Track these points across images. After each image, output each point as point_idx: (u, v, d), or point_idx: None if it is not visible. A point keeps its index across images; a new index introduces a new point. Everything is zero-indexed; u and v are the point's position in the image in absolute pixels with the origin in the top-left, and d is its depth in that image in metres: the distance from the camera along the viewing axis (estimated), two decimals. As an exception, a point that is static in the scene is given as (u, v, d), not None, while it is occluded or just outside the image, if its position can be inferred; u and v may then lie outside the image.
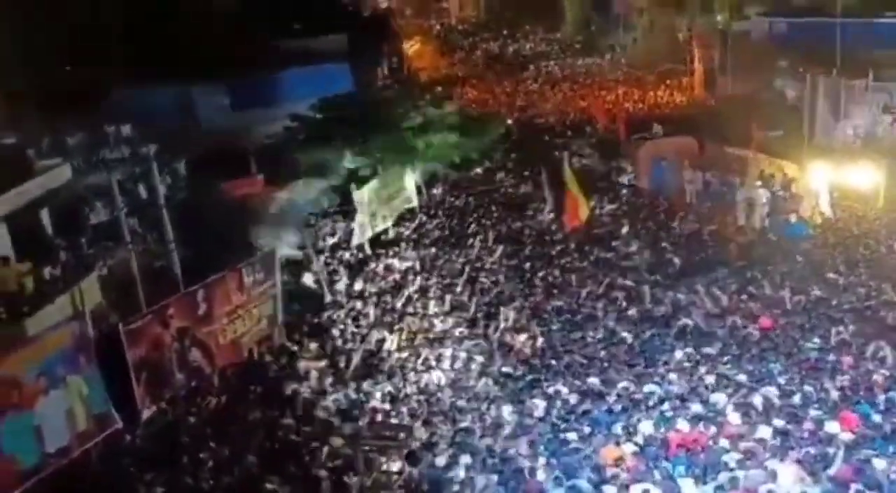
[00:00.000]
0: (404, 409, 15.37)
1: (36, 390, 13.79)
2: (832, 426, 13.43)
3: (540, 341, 17.71)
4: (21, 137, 21.60)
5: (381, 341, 18.20)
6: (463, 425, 14.62)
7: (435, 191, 30.06)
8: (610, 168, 30.61)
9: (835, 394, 14.49)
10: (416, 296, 20.51)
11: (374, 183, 25.11)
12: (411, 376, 16.60)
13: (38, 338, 14.63)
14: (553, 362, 16.83)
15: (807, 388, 14.80)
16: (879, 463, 12.47)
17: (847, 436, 13.18)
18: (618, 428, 13.98)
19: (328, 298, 20.70)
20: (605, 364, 16.51)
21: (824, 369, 15.50)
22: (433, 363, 17.04)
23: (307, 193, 27.21)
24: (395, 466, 13.24)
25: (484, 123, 34.70)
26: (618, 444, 13.47)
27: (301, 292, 20.95)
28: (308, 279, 21.53)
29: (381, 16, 56.43)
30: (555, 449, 13.55)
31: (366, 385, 16.34)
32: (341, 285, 21.58)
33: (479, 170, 32.34)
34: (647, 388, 15.30)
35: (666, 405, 14.65)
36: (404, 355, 17.60)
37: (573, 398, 15.22)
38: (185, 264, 18.85)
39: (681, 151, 27.75)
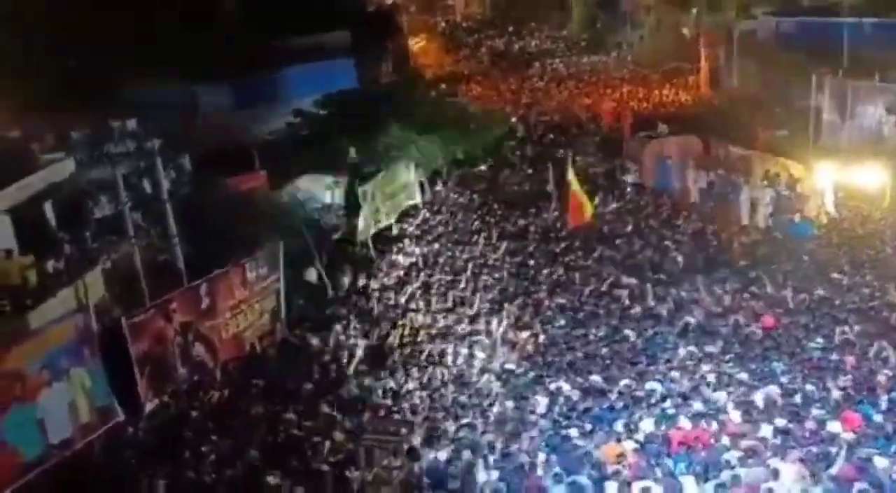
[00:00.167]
0: (406, 404, 15.37)
1: (39, 382, 13.84)
2: (834, 426, 13.42)
3: (542, 338, 17.73)
4: (25, 131, 21.61)
5: (384, 336, 18.22)
6: (465, 421, 14.62)
7: (438, 188, 30.06)
8: (614, 166, 30.56)
9: (837, 394, 14.47)
10: (418, 292, 20.51)
11: (377, 179, 25.12)
12: (413, 371, 16.59)
13: (42, 331, 14.65)
14: (555, 359, 16.84)
15: (809, 387, 14.79)
16: (881, 462, 12.45)
17: (849, 436, 13.16)
18: (619, 426, 13.97)
19: (331, 293, 20.71)
20: (608, 362, 16.53)
21: (827, 369, 15.48)
22: (435, 359, 17.03)
23: (310, 189, 27.18)
24: (396, 461, 13.21)
25: (488, 121, 34.71)
26: (619, 441, 13.47)
27: (304, 287, 20.97)
28: (311, 275, 21.54)
29: (385, 12, 56.35)
30: (556, 446, 13.55)
31: (367, 381, 16.35)
32: (344, 281, 21.58)
33: (483, 167, 32.33)
34: (650, 386, 15.30)
35: (668, 403, 14.64)
36: (406, 350, 17.60)
37: (575, 395, 15.23)
38: (189, 258, 18.87)
39: (685, 150, 27.71)
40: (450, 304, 19.76)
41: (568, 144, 34.34)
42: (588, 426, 14.06)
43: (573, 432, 13.93)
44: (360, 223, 23.70)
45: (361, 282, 21.60)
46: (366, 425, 14.66)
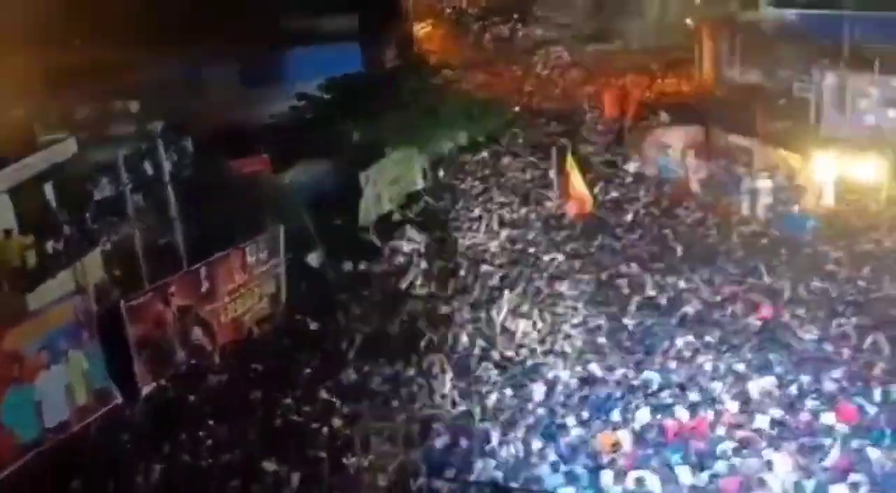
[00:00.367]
0: (404, 391, 15.43)
1: (37, 364, 13.92)
2: (829, 417, 13.50)
3: (541, 325, 17.76)
4: (27, 110, 21.56)
5: (384, 323, 18.26)
6: (462, 408, 14.69)
7: (440, 174, 30.01)
8: (616, 155, 30.51)
9: (832, 386, 14.54)
10: (419, 279, 20.54)
11: (379, 164, 25.09)
12: (412, 358, 16.64)
13: (41, 312, 14.72)
14: (554, 347, 16.89)
15: (804, 379, 14.85)
16: (874, 454, 12.52)
17: (843, 427, 13.24)
18: (616, 415, 14.04)
19: (331, 278, 20.74)
20: (606, 351, 16.57)
21: (822, 361, 15.53)
22: (435, 346, 17.08)
23: (313, 172, 27.19)
24: (393, 448, 13.28)
25: (491, 108, 34.62)
26: (615, 430, 13.54)
27: (305, 272, 21.01)
28: (312, 260, 21.57)
29: (391, -4, 56.01)
30: (553, 434, 13.63)
31: (366, 367, 16.41)
32: (345, 266, 21.62)
33: (485, 154, 32.25)
34: (647, 375, 15.36)
35: (665, 393, 14.72)
36: (406, 337, 17.64)
37: (573, 384, 15.31)
38: (190, 241, 18.89)
39: (687, 140, 27.66)
40: (450, 291, 19.80)
41: (570, 133, 34.29)
42: (585, 415, 14.15)
43: (570, 420, 14.02)
44: (362, 208, 23.70)
45: (362, 267, 21.62)
46: (364, 411, 14.73)
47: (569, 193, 23.46)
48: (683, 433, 13.45)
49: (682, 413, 13.96)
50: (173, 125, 24.09)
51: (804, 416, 13.66)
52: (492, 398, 14.94)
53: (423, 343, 17.23)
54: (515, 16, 64.84)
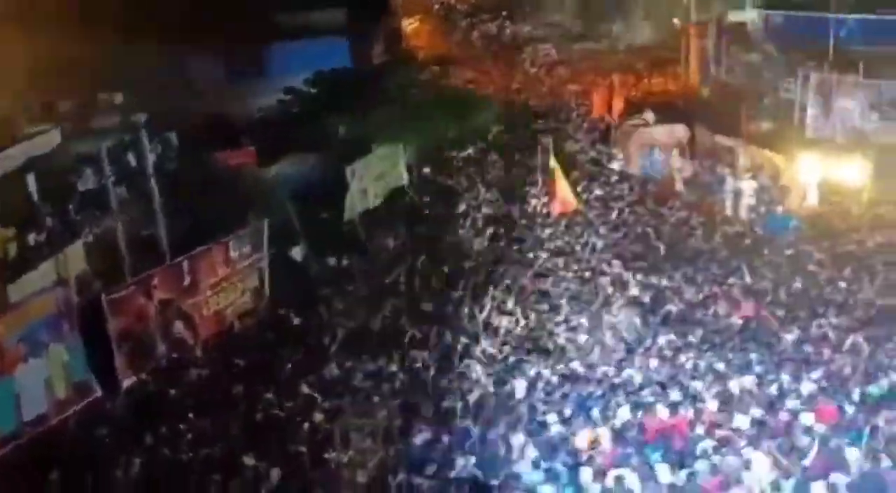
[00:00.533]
0: (386, 387, 15.43)
1: (16, 356, 13.84)
2: (808, 418, 13.56)
3: (524, 323, 17.80)
4: (10, 101, 21.44)
5: (367, 318, 18.25)
6: (444, 404, 14.71)
7: (426, 170, 30.01)
8: (601, 153, 30.60)
9: (812, 386, 14.62)
10: (403, 275, 20.54)
11: (365, 160, 25.03)
12: (395, 354, 16.64)
13: (21, 304, 14.64)
14: (537, 344, 16.93)
15: (785, 378, 14.94)
16: (852, 454, 12.62)
17: (822, 428, 13.33)
18: (597, 412, 14.09)
19: (315, 273, 20.72)
20: (588, 349, 16.61)
21: (803, 361, 15.63)
22: (417, 342, 17.09)
23: (299, 167, 27.14)
24: (374, 444, 13.28)
25: (478, 104, 34.66)
26: (595, 428, 13.59)
27: (289, 266, 20.97)
28: (296, 254, 21.53)
29: (380, -9, 55.93)
30: (534, 431, 13.66)
31: (348, 362, 16.40)
32: (329, 261, 21.59)
33: (471, 150, 32.26)
34: (628, 373, 15.42)
35: (646, 391, 14.77)
36: (388, 333, 17.65)
37: (554, 381, 15.35)
38: (173, 234, 18.82)
39: (672, 139, 27.75)
40: (433, 287, 19.80)
41: (556, 130, 34.34)
42: (567, 412, 14.18)
43: (551, 417, 14.05)
44: (347, 203, 23.65)
45: (346, 263, 21.60)
46: (345, 407, 14.73)
47: (553, 192, 23.55)
48: (664, 431, 13.49)
49: (663, 412, 14.01)
50: (158, 117, 23.98)
51: (784, 415, 13.72)
52: (473, 395, 14.95)
53: (405, 339, 17.22)
54: (504, 13, 64.87)
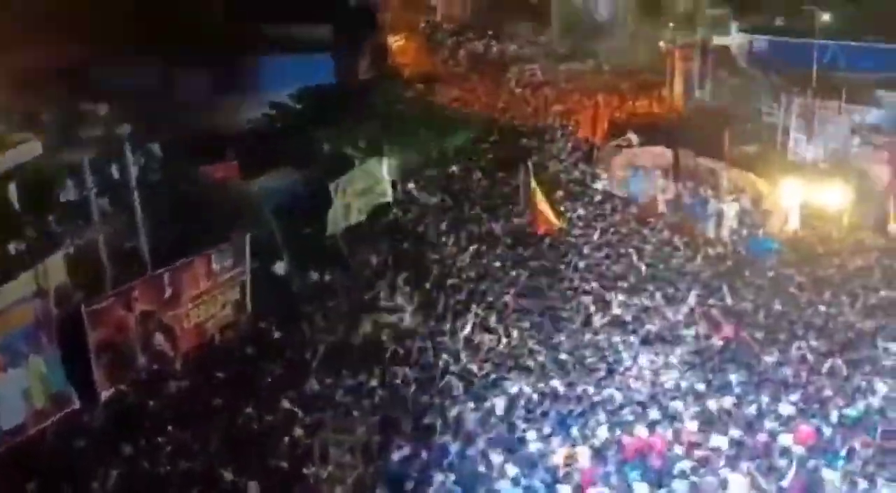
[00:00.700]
0: (366, 403, 15.39)
1: (-4, 365, 13.70)
2: (786, 439, 13.66)
3: (506, 341, 17.81)
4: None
5: (348, 333, 18.21)
6: (424, 421, 14.68)
7: (410, 186, 30.06)
8: (584, 173, 30.76)
9: (790, 407, 14.73)
10: (384, 291, 20.52)
11: (349, 175, 25.04)
12: (376, 370, 16.61)
13: (0, 314, 14.49)
14: (518, 362, 16.94)
15: (763, 399, 15.04)
16: (829, 475, 12.69)
17: (800, 449, 13.40)
18: (576, 431, 14.10)
19: (297, 288, 20.67)
20: (569, 367, 16.65)
21: (781, 383, 15.73)
22: (398, 358, 17.06)
23: (282, 181, 27.10)
24: (353, 460, 13.24)
25: (463, 122, 34.77)
26: (574, 446, 13.60)
27: (271, 280, 20.91)
28: (278, 268, 21.47)
29: (367, 8, 56.14)
30: (513, 448, 13.65)
31: (329, 377, 16.34)
32: (311, 276, 21.54)
33: (455, 168, 32.34)
34: (608, 392, 15.45)
35: (626, 410, 14.81)
36: (369, 348, 17.61)
37: (535, 399, 15.36)
38: (155, 246, 18.73)
39: (655, 161, 27.94)
40: (415, 303, 19.79)
41: (540, 150, 34.51)
42: (546, 430, 14.20)
43: (531, 435, 14.06)
44: (330, 218, 23.63)
45: (328, 278, 21.56)
46: (325, 422, 14.67)
47: (535, 212, 23.72)
48: (642, 450, 13.52)
49: (642, 431, 14.05)
50: (142, 129, 23.93)
51: (762, 437, 13.80)
52: (453, 411, 14.93)
53: (386, 355, 17.19)
54: (490, 32, 65.25)
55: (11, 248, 17.43)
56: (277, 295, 20.30)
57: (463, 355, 17.20)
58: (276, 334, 18.34)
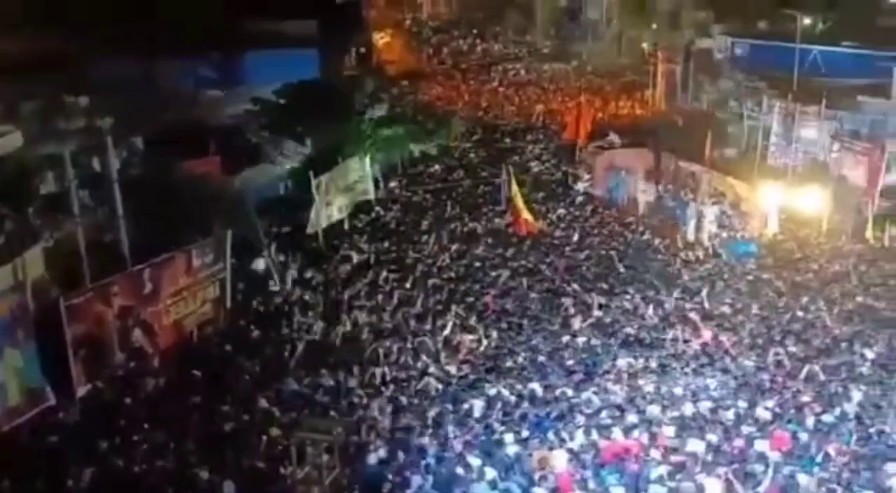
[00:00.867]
0: (344, 403, 15.35)
1: (-32, 360, 13.55)
2: (762, 444, 13.73)
3: (486, 342, 17.81)
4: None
5: (327, 332, 18.16)
6: (402, 422, 14.66)
7: (392, 184, 30.06)
8: (566, 174, 30.88)
9: (767, 413, 14.80)
10: (365, 289, 20.49)
11: (332, 172, 25.00)
12: (355, 369, 16.57)
13: (-25, 308, 14.34)
14: (497, 363, 16.95)
15: (741, 405, 15.10)
16: (804, 480, 12.79)
17: (776, 455, 13.48)
18: (553, 434, 14.13)
19: (277, 285, 20.60)
20: (548, 369, 16.67)
21: (758, 388, 15.82)
22: (378, 358, 17.02)
23: (264, 177, 27.02)
24: (330, 460, 13.19)
25: (446, 121, 34.81)
26: (551, 449, 13.63)
27: (251, 277, 20.83)
28: (259, 265, 21.39)
29: (352, 4, 56.04)
30: (490, 451, 13.67)
31: (307, 377, 16.28)
32: (292, 273, 21.47)
33: (437, 167, 32.39)
34: (586, 396, 15.48)
35: (603, 414, 14.84)
36: (349, 348, 17.56)
37: (513, 401, 15.37)
38: (135, 241, 18.59)
39: (637, 163, 28.09)
40: (395, 302, 19.76)
41: (523, 150, 34.63)
42: (524, 433, 14.21)
43: (508, 437, 14.06)
44: (312, 215, 23.58)
45: (308, 275, 21.50)
46: (302, 421, 14.59)
47: (517, 214, 23.82)
48: (620, 454, 13.56)
49: (619, 435, 14.09)
50: (124, 122, 23.77)
51: (738, 442, 13.87)
52: (431, 412, 14.92)
53: (365, 355, 17.15)
54: (475, 31, 65.28)
55: (-11, 240, 17.24)
56: (257, 292, 20.23)
57: (442, 356, 17.16)
58: (255, 332, 18.24)
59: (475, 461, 13.20)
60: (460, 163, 33.15)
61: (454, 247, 23.46)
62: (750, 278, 21.52)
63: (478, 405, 15.10)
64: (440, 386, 15.95)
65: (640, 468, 13.17)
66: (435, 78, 50.95)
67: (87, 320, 15.51)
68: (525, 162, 32.50)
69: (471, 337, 17.90)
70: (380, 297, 20.01)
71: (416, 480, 12.84)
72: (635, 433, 14.12)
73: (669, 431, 14.22)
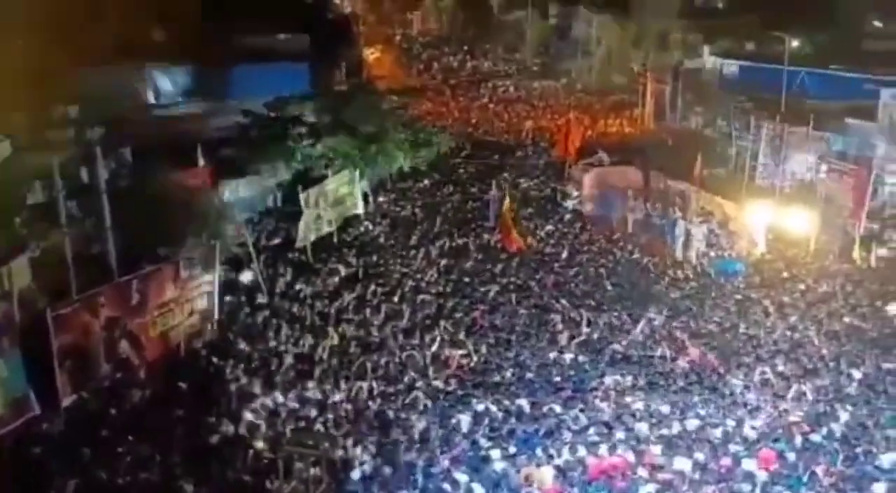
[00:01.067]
0: (330, 416, 15.28)
1: (-47, 370, 13.42)
2: (749, 463, 13.75)
3: (474, 357, 17.78)
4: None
5: (314, 345, 18.10)
6: (388, 437, 14.61)
7: (382, 199, 30.07)
8: (555, 191, 30.98)
9: (754, 432, 14.83)
10: (353, 303, 20.44)
11: (321, 186, 24.99)
12: (342, 383, 16.51)
13: (-40, 317, 14.23)
14: (484, 379, 16.93)
15: (728, 423, 15.12)
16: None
17: (763, 474, 13.50)
18: (541, 450, 14.11)
19: (265, 298, 20.53)
20: (536, 386, 16.66)
21: (745, 407, 15.84)
22: (365, 372, 16.96)
23: (254, 190, 26.96)
24: (316, 474, 13.13)
25: (436, 136, 34.92)
26: (539, 466, 13.60)
27: (238, 290, 20.76)
28: (247, 278, 21.33)
29: (343, 20, 56.25)
30: (477, 466, 13.63)
31: (294, 390, 16.20)
32: (279, 286, 21.41)
33: (427, 182, 32.45)
34: (574, 412, 15.48)
35: (591, 431, 14.84)
36: (336, 361, 17.50)
37: (500, 417, 15.35)
38: (122, 252, 18.51)
39: (626, 181, 28.22)
40: (383, 317, 19.72)
41: (512, 166, 34.73)
42: (511, 449, 14.19)
43: (495, 453, 14.04)
44: (301, 229, 23.53)
45: (296, 288, 21.44)
46: (288, 435, 14.53)
47: (506, 230, 23.88)
48: (607, 471, 13.55)
49: (606, 452, 14.08)
50: (113, 133, 23.72)
51: (725, 461, 13.88)
52: (418, 427, 14.87)
53: (352, 368, 17.10)
54: (465, 47, 65.54)
55: (-24, 250, 17.14)
56: (244, 304, 20.15)
57: (430, 371, 17.12)
58: (242, 345, 18.16)
59: (462, 477, 13.17)
60: (449, 178, 33.21)
61: (443, 262, 23.46)
62: (738, 296, 21.59)
63: (465, 421, 15.08)
64: (428, 401, 15.90)
65: (627, 485, 13.17)
66: (425, 93, 51.12)
67: (74, 331, 15.37)
68: (514, 178, 32.58)
69: (459, 352, 17.89)
70: (368, 311, 19.96)
71: (402, 495, 12.81)
72: (622, 450, 14.12)
73: (657, 449, 14.23)
